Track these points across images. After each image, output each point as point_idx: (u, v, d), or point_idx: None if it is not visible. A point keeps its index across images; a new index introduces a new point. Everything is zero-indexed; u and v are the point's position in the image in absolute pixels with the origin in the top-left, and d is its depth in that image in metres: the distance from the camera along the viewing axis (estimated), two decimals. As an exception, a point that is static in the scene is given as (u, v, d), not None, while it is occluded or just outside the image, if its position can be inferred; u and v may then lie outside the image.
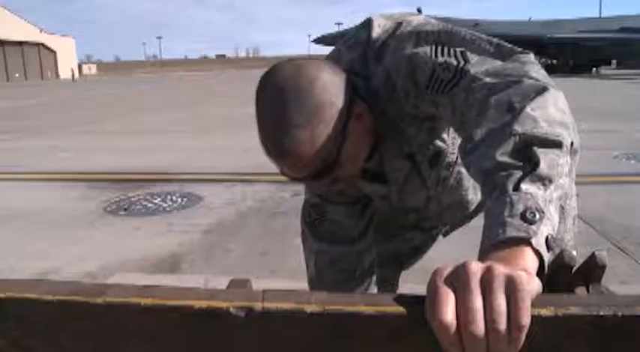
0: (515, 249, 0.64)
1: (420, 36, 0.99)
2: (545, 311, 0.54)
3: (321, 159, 0.96)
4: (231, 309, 0.58)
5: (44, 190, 5.02)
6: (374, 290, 1.46)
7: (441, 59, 0.94)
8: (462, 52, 0.94)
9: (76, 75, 63.25)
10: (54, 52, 66.35)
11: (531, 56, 0.92)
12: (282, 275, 2.84)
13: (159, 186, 4.97)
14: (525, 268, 0.61)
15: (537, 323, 0.53)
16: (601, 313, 0.54)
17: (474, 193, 1.45)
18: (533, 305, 0.54)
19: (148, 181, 5.20)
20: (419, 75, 0.97)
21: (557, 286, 0.70)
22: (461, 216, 1.55)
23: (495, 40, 0.96)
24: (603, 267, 0.70)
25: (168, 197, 4.58)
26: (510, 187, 0.70)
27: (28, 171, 5.96)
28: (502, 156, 0.74)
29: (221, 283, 2.46)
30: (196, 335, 0.59)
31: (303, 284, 2.40)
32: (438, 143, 1.19)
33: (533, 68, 0.87)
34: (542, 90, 0.80)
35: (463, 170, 1.32)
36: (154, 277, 2.89)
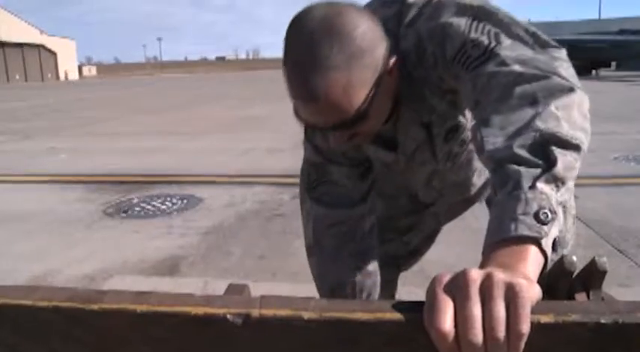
0: (522, 249, 0.64)
1: (459, 7, 0.96)
2: (545, 318, 0.54)
3: (351, 109, 0.93)
4: (228, 316, 0.57)
5: (43, 192, 5.02)
6: (374, 258, 1.38)
7: (473, 35, 0.93)
8: (496, 33, 0.92)
9: (70, 77, 63.41)
10: (54, 54, 66.34)
11: (564, 52, 0.90)
12: (281, 278, 2.84)
13: (158, 188, 4.97)
14: (526, 274, 0.60)
15: (537, 330, 0.53)
16: (602, 320, 0.53)
17: (478, 176, 1.42)
18: (533, 312, 0.54)
19: (148, 183, 5.20)
20: (448, 45, 0.95)
21: (557, 292, 0.70)
22: (460, 198, 1.52)
23: (533, 28, 0.94)
24: (604, 273, 0.69)
25: (168, 199, 4.57)
26: (526, 184, 0.69)
27: (27, 173, 5.95)
28: (520, 148, 0.73)
29: (220, 286, 2.45)
30: (193, 342, 0.59)
31: (303, 287, 2.39)
32: (459, 117, 1.17)
33: (563, 65, 0.86)
34: (568, 90, 0.80)
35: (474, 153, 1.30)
36: (153, 280, 2.89)
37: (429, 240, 1.81)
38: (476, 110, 0.90)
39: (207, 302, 0.58)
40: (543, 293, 0.59)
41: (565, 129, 0.74)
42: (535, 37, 0.92)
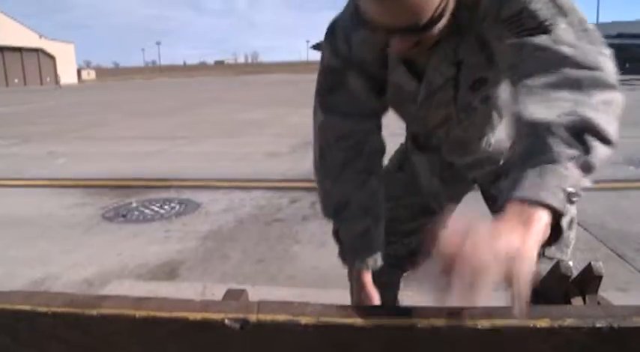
0: (542, 217, 0.69)
1: None
2: (542, 323, 0.54)
3: (426, 13, 0.94)
4: (226, 321, 0.57)
5: (42, 196, 5.01)
6: (379, 180, 1.37)
7: (533, 6, 0.93)
8: (554, 13, 0.93)
9: (64, 80, 63.32)
10: (53, 58, 66.32)
11: (610, 52, 0.92)
12: (279, 282, 2.83)
13: (157, 193, 4.96)
14: (530, 245, 0.66)
15: (533, 334, 0.53)
16: (597, 325, 0.53)
17: (483, 143, 1.40)
18: (531, 317, 0.54)
19: (146, 187, 5.19)
20: (506, 6, 0.96)
21: (553, 296, 0.70)
22: (456, 158, 1.48)
23: (590, 24, 0.95)
24: (600, 278, 0.70)
25: (166, 203, 4.57)
26: (565, 161, 0.73)
27: (25, 177, 5.95)
28: (560, 126, 0.75)
29: (219, 290, 2.45)
30: (191, 347, 0.59)
31: (301, 292, 2.39)
32: (490, 73, 1.17)
33: (608, 64, 0.88)
34: (611, 87, 0.83)
35: (492, 117, 1.30)
36: (152, 284, 2.88)
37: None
38: (515, 75, 0.93)
39: (206, 307, 0.59)
40: (539, 297, 0.59)
41: (603, 123, 0.76)
42: (590, 32, 0.93)
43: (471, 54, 1.13)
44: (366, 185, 1.32)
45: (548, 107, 0.78)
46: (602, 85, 0.81)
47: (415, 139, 1.54)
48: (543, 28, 0.91)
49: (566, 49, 0.86)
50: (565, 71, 0.83)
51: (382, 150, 1.38)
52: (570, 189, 0.71)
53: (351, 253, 1.27)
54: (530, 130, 0.78)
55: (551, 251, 1.32)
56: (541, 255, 1.32)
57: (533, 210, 0.69)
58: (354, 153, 1.32)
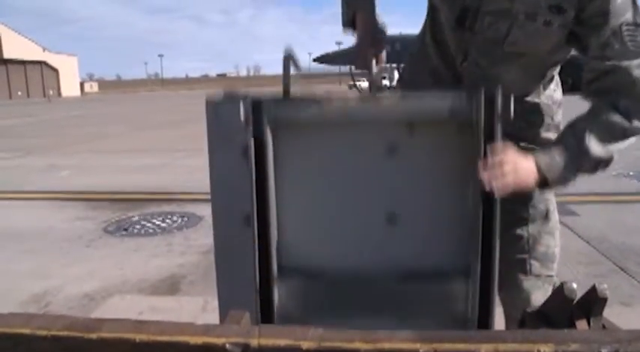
0: (534, 164, 1.13)
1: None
2: (546, 348, 0.53)
3: None
4: (227, 345, 0.57)
5: (44, 209, 5.02)
6: None
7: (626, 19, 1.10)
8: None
9: (66, 94, 63.67)
10: (56, 71, 66.75)
11: None
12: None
13: (159, 206, 4.97)
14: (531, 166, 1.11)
15: (538, 360, 0.53)
16: (603, 350, 0.53)
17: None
18: (533, 341, 0.53)
19: (148, 201, 5.20)
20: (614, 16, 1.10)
21: (557, 319, 0.69)
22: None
23: None
24: (604, 300, 0.69)
25: (168, 217, 4.57)
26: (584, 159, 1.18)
27: (28, 190, 5.96)
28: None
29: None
30: (191, 372, 0.58)
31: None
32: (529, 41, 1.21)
33: None
34: None
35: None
36: (153, 299, 2.87)
37: None
38: (593, 83, 1.18)
39: (206, 331, 0.58)
40: (543, 320, 0.58)
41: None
42: None
43: (537, 14, 1.18)
44: None
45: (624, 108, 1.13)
46: None
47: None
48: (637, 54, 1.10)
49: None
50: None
51: None
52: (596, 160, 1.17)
53: None
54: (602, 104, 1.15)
55: (537, 267, 1.33)
56: (528, 272, 1.34)
57: (534, 158, 1.11)
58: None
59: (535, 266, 1.36)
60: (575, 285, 0.69)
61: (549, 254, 1.37)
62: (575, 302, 0.70)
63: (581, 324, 0.68)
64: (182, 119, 17.05)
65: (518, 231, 1.35)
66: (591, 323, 0.69)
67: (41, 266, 3.42)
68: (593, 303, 0.69)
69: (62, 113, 24.03)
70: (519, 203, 1.33)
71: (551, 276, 1.38)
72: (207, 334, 0.58)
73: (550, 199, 1.39)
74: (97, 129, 14.71)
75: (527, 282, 1.36)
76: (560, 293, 0.70)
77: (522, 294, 1.35)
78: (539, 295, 1.33)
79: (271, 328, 0.59)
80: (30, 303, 2.83)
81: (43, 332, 0.59)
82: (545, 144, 1.27)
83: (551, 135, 1.36)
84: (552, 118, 1.37)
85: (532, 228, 1.36)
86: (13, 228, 4.34)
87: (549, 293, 1.32)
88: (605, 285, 0.67)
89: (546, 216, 1.37)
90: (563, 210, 4.25)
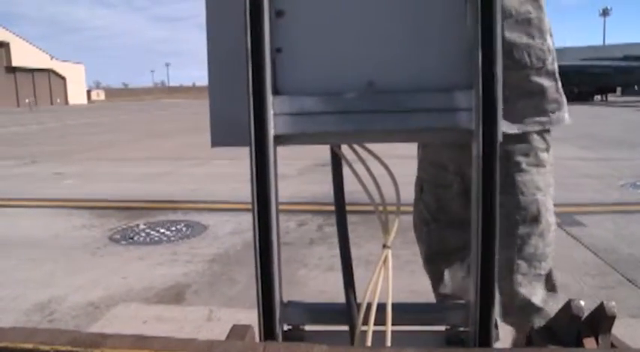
0: None
1: None
2: (553, 367, 0.53)
3: None
4: (231, 362, 0.56)
5: (49, 217, 5.03)
6: None
7: None
8: None
9: (73, 101, 63.94)
10: (64, 79, 67.18)
11: None
12: (286, 306, 2.81)
13: (164, 215, 4.97)
14: None
15: (545, 380, 0.52)
16: (611, 370, 0.52)
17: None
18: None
19: (153, 209, 5.20)
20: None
21: (564, 337, 0.68)
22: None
23: None
24: (612, 318, 0.68)
25: (173, 226, 4.57)
26: None
27: (33, 197, 5.98)
28: None
29: (225, 315, 2.43)
30: (194, 388, 0.58)
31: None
32: None
33: None
34: None
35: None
36: (158, 308, 2.87)
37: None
38: None
39: (210, 347, 0.58)
40: (550, 338, 0.58)
41: None
42: None
43: None
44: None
45: None
46: None
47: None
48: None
49: None
50: None
51: None
52: None
53: None
54: None
55: (524, 267, 1.38)
56: (515, 271, 1.35)
57: None
58: None
59: (522, 266, 1.39)
60: (582, 303, 0.68)
61: (537, 254, 1.41)
62: (582, 319, 0.69)
63: (589, 342, 0.67)
64: (187, 127, 17.11)
65: (508, 232, 1.37)
66: (599, 341, 0.68)
67: (46, 274, 3.42)
68: (601, 320, 0.68)
69: (70, 121, 24.16)
70: (510, 205, 1.35)
71: (539, 275, 1.41)
72: (211, 349, 0.57)
73: (540, 200, 1.39)
74: (104, 136, 14.77)
75: (514, 280, 1.40)
76: (567, 310, 0.69)
77: (509, 290, 1.39)
78: (524, 292, 1.39)
79: (275, 345, 0.58)
80: (34, 312, 2.83)
81: (46, 348, 0.59)
82: (535, 92, 1.28)
83: (544, 82, 1.36)
84: (544, 62, 1.36)
85: (521, 230, 1.38)
86: (19, 236, 4.35)
87: (537, 289, 1.40)
88: (614, 303, 0.67)
89: (536, 219, 1.38)
90: (569, 220, 4.23)
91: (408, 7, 0.90)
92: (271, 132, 0.88)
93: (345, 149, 1.10)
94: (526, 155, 1.37)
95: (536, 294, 1.41)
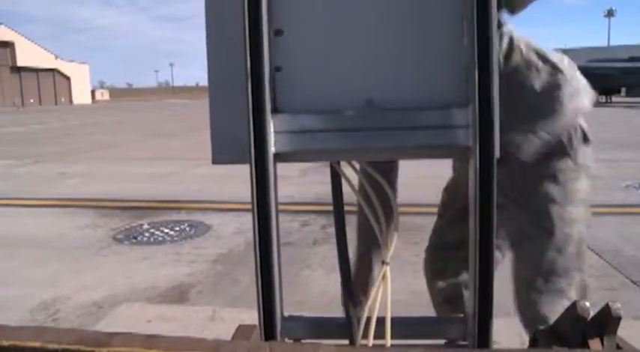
0: None
1: None
2: (559, 369, 0.53)
3: None
4: (237, 361, 0.57)
5: (54, 217, 5.04)
6: None
7: None
8: None
9: (77, 101, 64.16)
10: (68, 78, 67.43)
11: None
12: (289, 308, 2.81)
13: (167, 215, 4.98)
14: None
15: (551, 381, 0.52)
16: (616, 371, 0.52)
17: None
18: (546, 362, 0.53)
19: (157, 209, 5.21)
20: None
21: (570, 338, 0.69)
22: None
23: None
24: (618, 319, 0.68)
25: (177, 226, 4.58)
26: None
27: (37, 197, 5.99)
28: None
29: (228, 315, 2.44)
30: (201, 387, 0.58)
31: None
32: None
33: None
34: None
35: None
36: (162, 307, 2.87)
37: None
38: None
39: (217, 347, 0.58)
40: (555, 339, 0.58)
41: None
42: None
43: None
44: None
45: None
46: None
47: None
48: None
49: None
50: None
51: None
52: None
53: None
54: None
55: (541, 283, 1.35)
56: (533, 288, 1.34)
57: None
58: None
59: (539, 281, 1.34)
60: (588, 304, 0.68)
61: (554, 269, 1.35)
62: (588, 320, 0.69)
63: (595, 343, 0.67)
64: (191, 127, 17.14)
65: (524, 248, 1.36)
66: (605, 343, 0.68)
67: (51, 273, 3.43)
68: (606, 322, 0.68)
69: (75, 121, 24.22)
70: (525, 223, 1.34)
71: (559, 290, 1.35)
72: (217, 349, 0.58)
73: (555, 211, 1.34)
74: (108, 136, 14.81)
75: (530, 297, 1.36)
76: (572, 311, 0.69)
77: (531, 309, 1.35)
78: (545, 309, 1.32)
79: (281, 344, 0.58)
80: (39, 311, 2.84)
81: (54, 346, 0.59)
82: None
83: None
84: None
85: (536, 245, 1.34)
86: (23, 235, 4.36)
87: (558, 305, 1.31)
88: (619, 304, 0.67)
89: (551, 232, 1.33)
90: (574, 221, 4.22)
91: (406, 25, 0.91)
92: (271, 150, 0.90)
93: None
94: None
95: (557, 311, 1.32)
